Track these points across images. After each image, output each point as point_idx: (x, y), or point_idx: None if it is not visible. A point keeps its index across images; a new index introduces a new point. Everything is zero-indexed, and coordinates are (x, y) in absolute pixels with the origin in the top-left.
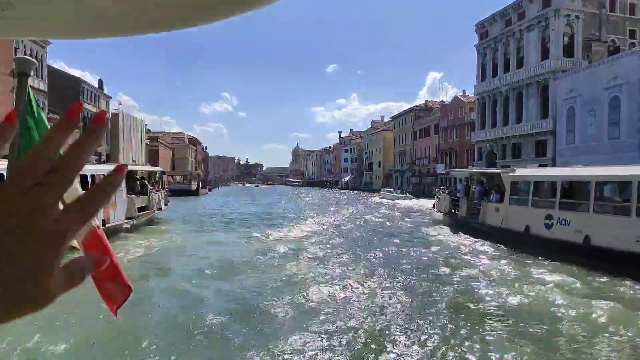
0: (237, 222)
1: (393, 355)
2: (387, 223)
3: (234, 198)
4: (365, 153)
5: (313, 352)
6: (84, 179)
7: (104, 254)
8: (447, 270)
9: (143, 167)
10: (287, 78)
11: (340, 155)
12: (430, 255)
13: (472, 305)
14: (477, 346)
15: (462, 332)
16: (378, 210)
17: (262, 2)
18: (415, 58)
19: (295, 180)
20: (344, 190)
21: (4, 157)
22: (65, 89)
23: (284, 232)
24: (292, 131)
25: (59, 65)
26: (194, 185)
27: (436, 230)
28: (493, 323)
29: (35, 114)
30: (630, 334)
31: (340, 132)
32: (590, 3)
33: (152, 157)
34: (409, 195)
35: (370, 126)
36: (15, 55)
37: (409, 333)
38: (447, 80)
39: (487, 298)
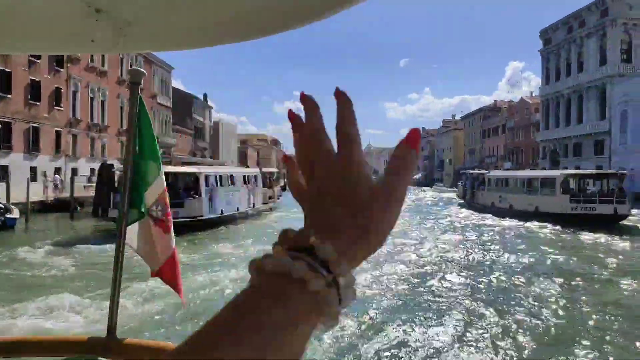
0: None
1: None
2: (429, 203)
3: None
4: (437, 151)
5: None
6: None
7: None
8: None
9: (270, 169)
10: (358, 74)
11: None
12: (447, 215)
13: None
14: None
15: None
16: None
17: (352, 2)
18: (494, 48)
19: None
20: (414, 187)
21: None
22: (181, 104)
23: None
24: (363, 127)
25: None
26: (282, 182)
27: (452, 206)
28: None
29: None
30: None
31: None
32: None
33: (243, 158)
34: (455, 189)
35: (441, 125)
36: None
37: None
38: (529, 70)
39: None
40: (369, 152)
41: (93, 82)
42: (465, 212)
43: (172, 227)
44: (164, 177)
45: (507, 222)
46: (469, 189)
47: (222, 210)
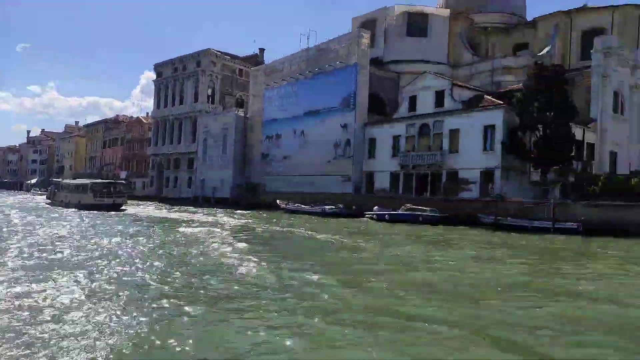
0: None
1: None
2: (25, 203)
3: None
4: (57, 156)
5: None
6: None
7: None
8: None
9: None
10: None
11: (27, 155)
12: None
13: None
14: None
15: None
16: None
17: None
18: (131, 54)
19: None
20: (23, 191)
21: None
22: None
23: None
24: None
25: None
26: None
27: (40, 204)
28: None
29: None
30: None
31: (29, 131)
32: (227, 69)
33: None
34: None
35: (64, 129)
36: None
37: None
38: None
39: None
40: None
41: None
42: (48, 207)
43: None
44: None
45: (67, 211)
46: (54, 192)
47: None
